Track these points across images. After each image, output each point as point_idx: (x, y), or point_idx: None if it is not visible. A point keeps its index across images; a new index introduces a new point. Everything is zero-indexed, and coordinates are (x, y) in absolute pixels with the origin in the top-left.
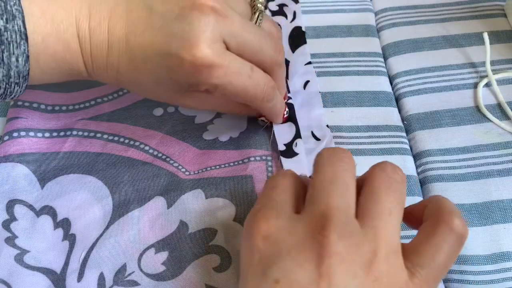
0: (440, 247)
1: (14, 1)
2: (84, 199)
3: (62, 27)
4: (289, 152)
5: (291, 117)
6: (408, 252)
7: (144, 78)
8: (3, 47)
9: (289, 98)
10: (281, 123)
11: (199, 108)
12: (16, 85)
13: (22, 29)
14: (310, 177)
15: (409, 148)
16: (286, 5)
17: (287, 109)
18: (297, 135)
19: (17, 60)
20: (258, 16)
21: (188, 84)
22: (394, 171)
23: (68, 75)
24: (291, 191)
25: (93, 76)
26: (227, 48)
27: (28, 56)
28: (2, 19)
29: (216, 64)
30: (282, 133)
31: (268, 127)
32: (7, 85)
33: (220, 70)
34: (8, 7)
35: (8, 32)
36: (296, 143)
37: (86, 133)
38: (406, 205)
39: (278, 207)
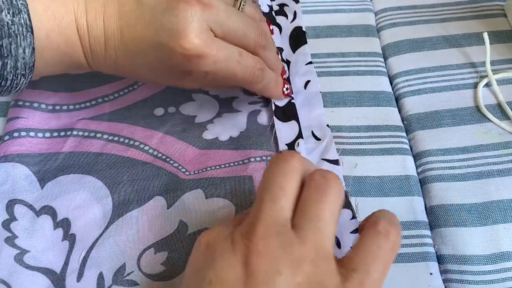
0: (369, 249)
1: None
2: (84, 199)
3: (64, 23)
4: None
5: (294, 116)
6: (344, 260)
7: (141, 68)
8: (11, 39)
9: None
10: (283, 99)
11: (197, 87)
12: (22, 77)
13: (28, 22)
14: None
15: (409, 148)
16: (286, 5)
17: (286, 86)
18: (300, 135)
19: (24, 52)
20: (240, 2)
21: (181, 72)
22: (324, 179)
23: (70, 67)
24: None
25: (94, 68)
26: (214, 35)
27: (33, 48)
28: (9, 13)
29: (205, 53)
30: (284, 133)
31: (270, 126)
32: (14, 77)
33: (209, 58)
34: (14, 2)
35: (15, 25)
36: (298, 143)
37: (86, 133)
38: (404, 205)
39: (228, 224)
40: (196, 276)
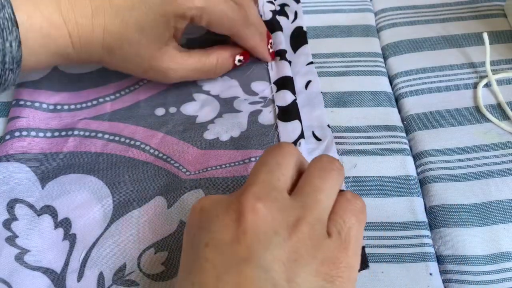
0: (345, 209)
1: None
2: (85, 199)
3: (44, 5)
4: None
5: (297, 116)
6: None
7: (131, 29)
8: None
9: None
10: (272, 60)
11: (174, 70)
12: (10, 72)
13: (12, 16)
14: None
15: (409, 148)
16: (287, 5)
17: (271, 42)
18: (302, 135)
19: (11, 46)
20: None
21: (175, 15)
22: (330, 161)
23: (55, 55)
24: None
25: (79, 51)
26: None
27: (20, 42)
28: None
29: None
30: (287, 133)
31: (273, 126)
32: (2, 72)
33: None
34: None
35: (0, 20)
36: (300, 143)
37: (87, 133)
38: (403, 205)
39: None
40: (192, 241)
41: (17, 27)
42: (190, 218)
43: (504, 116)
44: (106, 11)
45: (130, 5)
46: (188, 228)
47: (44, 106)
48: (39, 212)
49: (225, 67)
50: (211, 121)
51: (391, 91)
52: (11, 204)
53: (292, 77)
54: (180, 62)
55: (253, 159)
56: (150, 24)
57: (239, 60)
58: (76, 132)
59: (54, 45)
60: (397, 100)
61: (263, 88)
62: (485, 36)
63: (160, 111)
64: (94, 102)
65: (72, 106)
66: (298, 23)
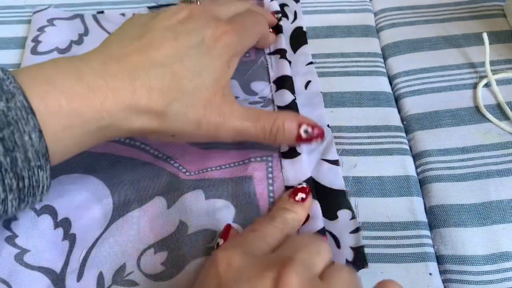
0: None
1: (10, 80)
2: (85, 199)
3: (60, 79)
4: (292, 152)
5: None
6: None
7: (186, 78)
8: (11, 128)
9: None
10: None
11: (229, 116)
12: (39, 170)
13: (26, 103)
14: (305, 181)
15: (408, 148)
16: (287, 5)
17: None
18: None
19: (30, 138)
20: None
21: (230, 54)
22: (348, 273)
23: (85, 134)
24: (270, 241)
25: (118, 119)
26: None
27: (40, 131)
28: (1, 100)
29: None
30: None
31: None
32: (30, 173)
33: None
34: (5, 87)
35: (13, 111)
36: (299, 143)
37: None
38: (403, 205)
39: (251, 247)
40: None
41: (34, 114)
42: (213, 268)
43: (504, 116)
44: (148, 68)
45: (178, 56)
46: (207, 277)
47: None
48: (39, 212)
49: (286, 132)
50: None
51: (391, 91)
52: None
53: (291, 77)
54: (236, 109)
55: (252, 159)
56: (207, 68)
57: (306, 131)
58: None
59: (82, 123)
60: (397, 100)
61: (262, 87)
62: (485, 36)
63: None
64: None
65: None
66: (298, 23)
